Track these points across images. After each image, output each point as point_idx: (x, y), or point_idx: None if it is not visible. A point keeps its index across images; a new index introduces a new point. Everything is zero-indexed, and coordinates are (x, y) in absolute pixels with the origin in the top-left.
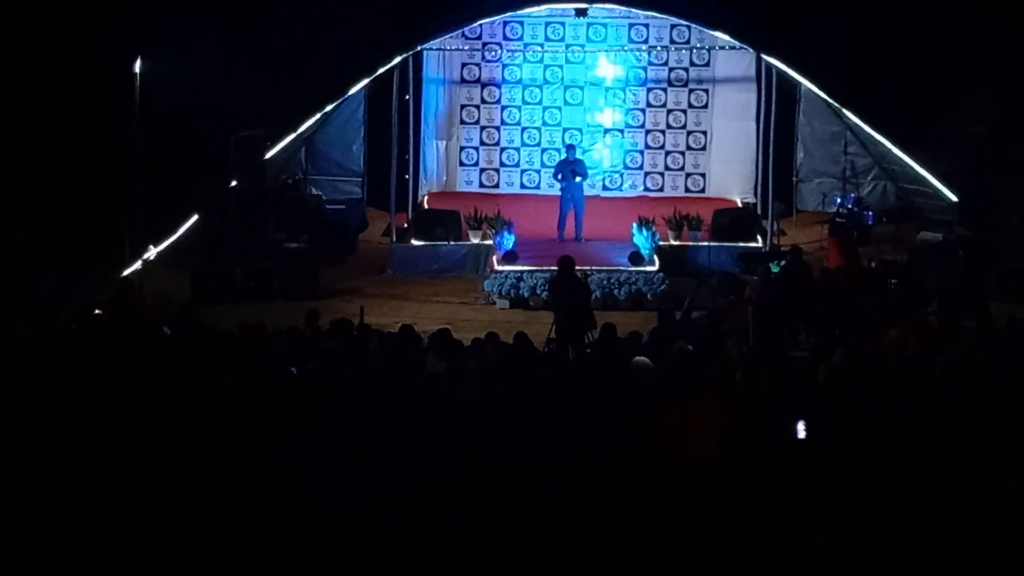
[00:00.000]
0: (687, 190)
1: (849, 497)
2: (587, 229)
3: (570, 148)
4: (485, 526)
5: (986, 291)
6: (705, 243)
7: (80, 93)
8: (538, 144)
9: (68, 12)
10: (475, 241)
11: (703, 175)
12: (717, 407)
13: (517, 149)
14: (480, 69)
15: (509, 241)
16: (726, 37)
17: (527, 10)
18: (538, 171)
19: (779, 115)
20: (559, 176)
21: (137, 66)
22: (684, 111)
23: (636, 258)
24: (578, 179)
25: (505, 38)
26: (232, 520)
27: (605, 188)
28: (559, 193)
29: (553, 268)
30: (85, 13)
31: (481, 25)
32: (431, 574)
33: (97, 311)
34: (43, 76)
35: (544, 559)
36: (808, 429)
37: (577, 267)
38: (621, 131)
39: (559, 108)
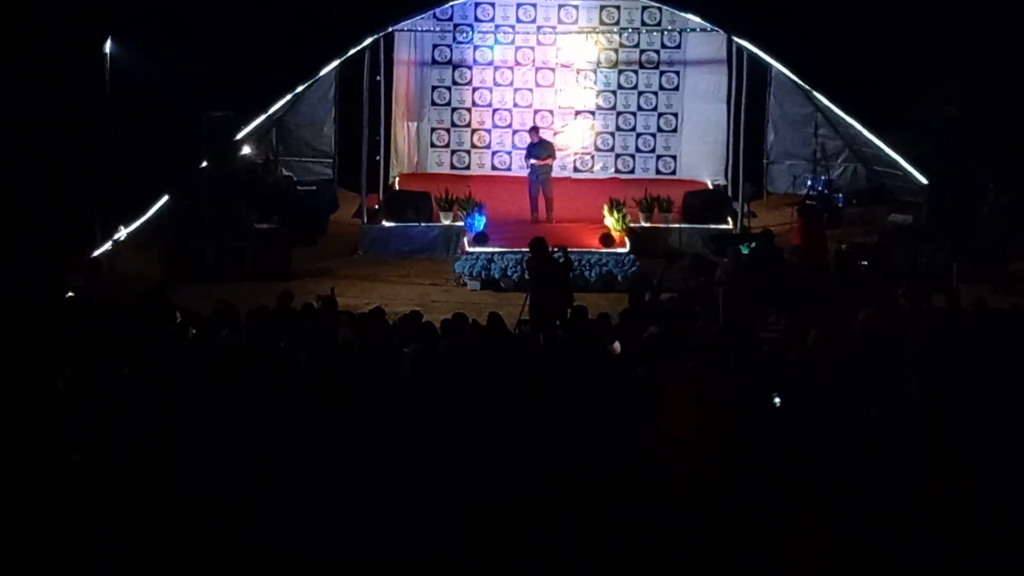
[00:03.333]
0: (658, 172)
1: (825, 475)
2: (558, 211)
3: (533, 130)
4: (462, 511)
5: (956, 273)
6: (676, 225)
7: (49, 74)
8: (509, 126)
9: None
10: (446, 223)
11: (674, 157)
12: (689, 388)
13: (488, 131)
14: (451, 50)
15: (480, 223)
16: (697, 19)
17: None
18: (509, 152)
19: (750, 97)
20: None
21: (107, 47)
22: (655, 93)
23: (607, 240)
24: (532, 161)
25: (476, 19)
26: (212, 504)
27: (576, 170)
28: (535, 177)
29: (524, 250)
30: None
31: (452, 6)
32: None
33: (69, 293)
34: (11, 57)
35: (523, 541)
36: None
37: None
38: (592, 113)
39: (530, 90)
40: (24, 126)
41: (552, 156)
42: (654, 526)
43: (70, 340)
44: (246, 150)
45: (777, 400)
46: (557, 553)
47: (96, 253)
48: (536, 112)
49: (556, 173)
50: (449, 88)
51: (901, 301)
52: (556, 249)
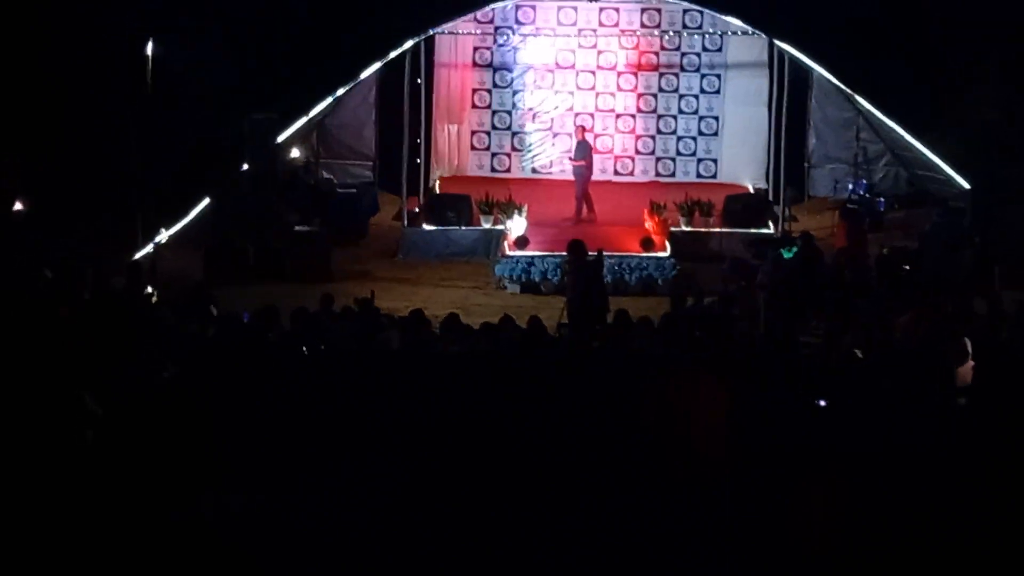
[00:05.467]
0: (699, 175)
1: (858, 478)
2: (600, 213)
3: (578, 129)
4: (495, 506)
5: (996, 277)
6: (716, 229)
7: (92, 75)
8: (550, 128)
9: None
10: (486, 226)
11: (715, 161)
12: (726, 391)
13: (528, 134)
14: (492, 53)
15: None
16: (739, 22)
17: None
18: (549, 155)
19: (791, 101)
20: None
21: (149, 48)
22: (696, 96)
23: (647, 243)
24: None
25: (517, 22)
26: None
27: (617, 173)
28: (573, 177)
29: (564, 253)
30: None
31: (493, 9)
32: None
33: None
34: (56, 59)
35: (549, 535)
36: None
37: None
38: (633, 116)
39: (571, 92)
40: (67, 128)
41: (584, 159)
42: (681, 525)
43: (111, 341)
44: (295, 152)
45: (822, 403)
46: (587, 548)
47: (138, 255)
48: (576, 115)
49: (596, 176)
50: (489, 91)
51: (944, 305)
52: (594, 253)
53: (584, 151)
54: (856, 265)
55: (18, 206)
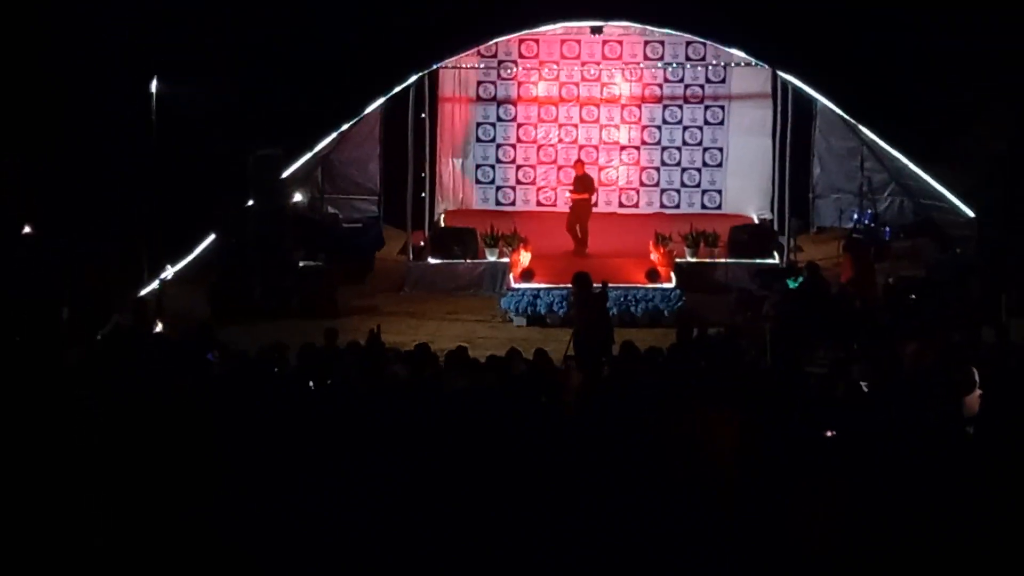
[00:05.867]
0: (703, 207)
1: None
2: (605, 245)
3: (576, 163)
4: (503, 539)
5: (1003, 306)
6: (722, 259)
7: (97, 113)
8: (554, 161)
9: (86, 32)
10: (491, 259)
11: (719, 192)
12: (733, 422)
13: (533, 167)
14: (496, 87)
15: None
16: (741, 54)
17: (542, 28)
18: (554, 188)
19: (795, 131)
20: None
21: (153, 85)
22: (700, 128)
23: (653, 275)
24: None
25: (520, 56)
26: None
27: (622, 205)
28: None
29: (570, 285)
30: (102, 33)
31: (496, 43)
32: None
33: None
34: (61, 95)
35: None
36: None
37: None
38: (637, 148)
39: (575, 125)
40: (72, 165)
41: (587, 191)
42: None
43: (118, 378)
44: (298, 196)
45: (829, 433)
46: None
47: (143, 293)
48: (581, 148)
49: (602, 208)
50: (494, 124)
51: (951, 335)
52: (599, 285)
53: (585, 185)
54: (863, 295)
55: (27, 229)
